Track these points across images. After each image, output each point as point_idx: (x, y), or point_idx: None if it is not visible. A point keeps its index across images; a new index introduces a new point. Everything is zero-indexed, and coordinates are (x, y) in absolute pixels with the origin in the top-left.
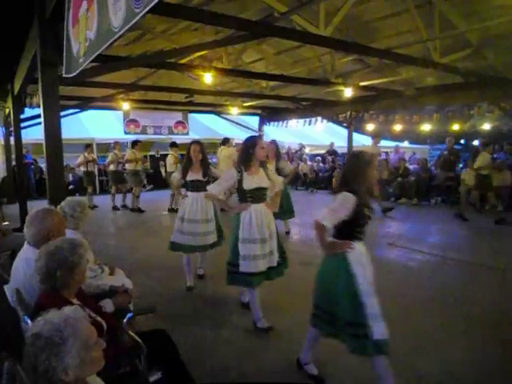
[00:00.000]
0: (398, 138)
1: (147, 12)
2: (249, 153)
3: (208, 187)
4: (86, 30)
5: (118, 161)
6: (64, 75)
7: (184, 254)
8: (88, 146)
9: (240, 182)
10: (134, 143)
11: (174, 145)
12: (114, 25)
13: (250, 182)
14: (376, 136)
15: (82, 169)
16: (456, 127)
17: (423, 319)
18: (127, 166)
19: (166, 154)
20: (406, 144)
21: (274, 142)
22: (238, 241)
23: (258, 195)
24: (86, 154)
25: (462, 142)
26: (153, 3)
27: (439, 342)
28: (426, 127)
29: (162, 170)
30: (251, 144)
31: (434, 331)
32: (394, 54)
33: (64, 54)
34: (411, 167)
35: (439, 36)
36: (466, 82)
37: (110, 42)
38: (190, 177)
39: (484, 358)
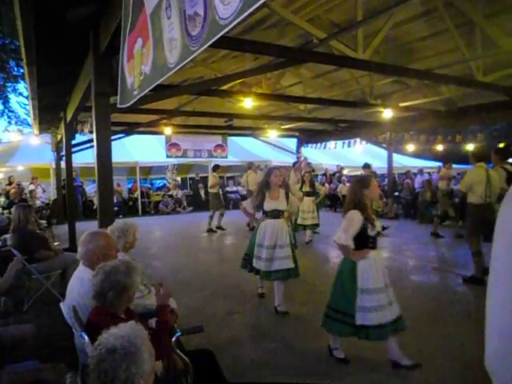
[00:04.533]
0: (440, 158)
1: None
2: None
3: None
4: (141, 65)
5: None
6: (118, 106)
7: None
8: (218, 167)
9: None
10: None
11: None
12: (169, 61)
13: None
14: (447, 162)
15: (213, 190)
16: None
17: (471, 350)
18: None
19: (206, 177)
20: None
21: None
22: (357, 291)
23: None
24: (215, 175)
25: (510, 160)
26: (209, 42)
27: None
28: (470, 147)
29: (202, 193)
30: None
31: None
32: (435, 75)
33: (119, 87)
34: (455, 188)
35: (481, 55)
36: (511, 100)
37: (165, 77)
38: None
39: None
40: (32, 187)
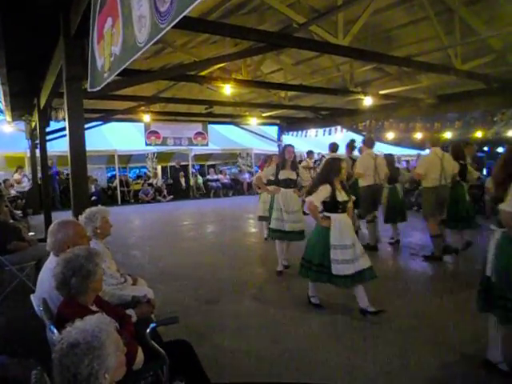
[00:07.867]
0: (418, 145)
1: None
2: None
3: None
4: (111, 46)
5: None
6: (89, 89)
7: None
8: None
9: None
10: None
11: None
12: (138, 40)
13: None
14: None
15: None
16: (479, 134)
17: (447, 333)
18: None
19: (186, 165)
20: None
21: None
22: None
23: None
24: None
25: (486, 149)
26: (178, 18)
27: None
28: (448, 134)
29: (182, 181)
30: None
31: (462, 344)
32: (414, 62)
33: (89, 69)
34: None
35: (460, 42)
36: (489, 88)
37: (135, 57)
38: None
39: None
40: (17, 176)
